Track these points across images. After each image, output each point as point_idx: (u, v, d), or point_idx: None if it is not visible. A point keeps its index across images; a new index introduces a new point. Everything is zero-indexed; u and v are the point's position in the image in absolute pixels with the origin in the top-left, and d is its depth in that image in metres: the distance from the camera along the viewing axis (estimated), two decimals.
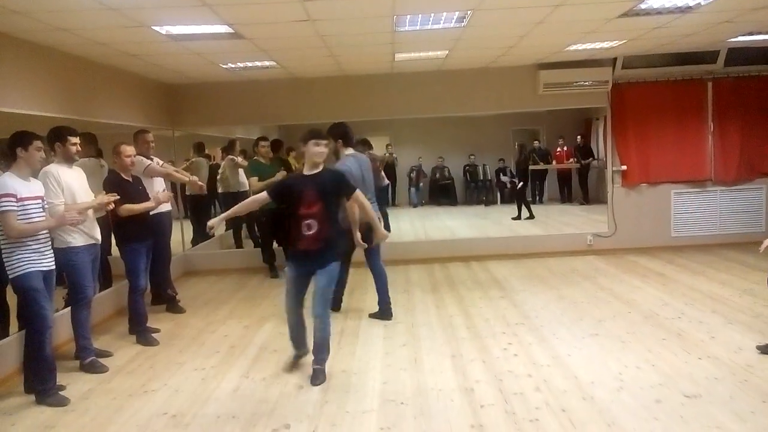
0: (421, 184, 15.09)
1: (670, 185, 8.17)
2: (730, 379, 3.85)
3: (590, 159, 13.08)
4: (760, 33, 6.46)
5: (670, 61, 7.80)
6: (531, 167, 12.47)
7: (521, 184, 11.75)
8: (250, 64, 6.73)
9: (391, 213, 13.18)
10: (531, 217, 11.35)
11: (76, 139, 4.43)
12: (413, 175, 15.04)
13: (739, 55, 7.66)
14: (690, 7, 4.98)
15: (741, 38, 6.74)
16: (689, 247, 8.03)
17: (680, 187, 8.18)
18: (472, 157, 14.95)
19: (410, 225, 11.72)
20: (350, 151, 5.35)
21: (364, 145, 7.14)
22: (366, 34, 5.50)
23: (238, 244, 8.85)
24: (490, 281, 6.93)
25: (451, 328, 5.23)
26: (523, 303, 5.90)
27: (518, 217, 11.40)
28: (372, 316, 5.62)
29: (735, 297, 5.73)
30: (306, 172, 4.07)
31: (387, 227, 8.62)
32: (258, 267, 7.81)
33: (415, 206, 14.75)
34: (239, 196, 8.38)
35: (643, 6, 4.86)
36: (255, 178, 7.17)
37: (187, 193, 8.44)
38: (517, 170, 12.20)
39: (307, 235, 3.95)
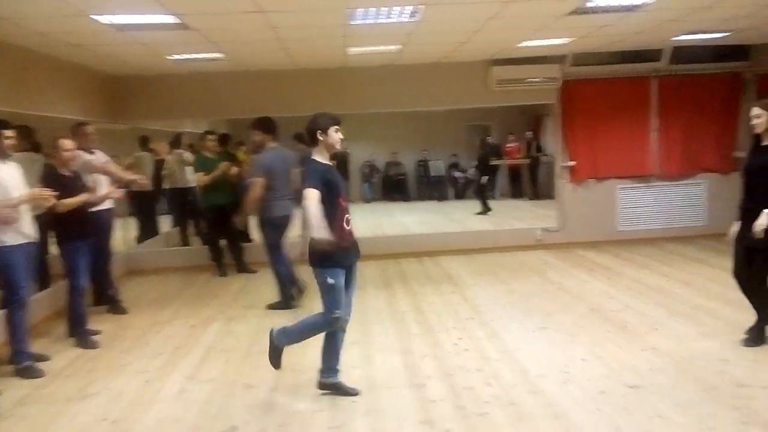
0: (374, 180, 15.08)
1: (616, 180, 8.37)
2: (672, 370, 3.95)
3: (540, 155, 13.34)
4: (703, 32, 6.66)
5: (617, 59, 7.98)
6: (492, 162, 12.64)
7: (485, 178, 11.84)
8: (197, 56, 6.53)
9: None
10: (484, 212, 11.47)
11: (10, 133, 4.22)
12: (366, 170, 15.01)
13: (683, 54, 7.89)
14: (636, 6, 5.09)
15: (685, 37, 6.94)
16: (634, 241, 8.25)
17: (626, 182, 8.39)
18: (425, 152, 15.02)
19: (363, 221, 11.66)
20: (274, 144, 5.69)
21: (297, 139, 7.75)
22: (318, 27, 5.41)
23: (185, 241, 8.62)
24: (442, 276, 6.96)
25: (403, 324, 5.22)
26: (475, 298, 5.94)
27: (485, 211, 11.46)
28: (272, 306, 5.80)
29: (677, 289, 5.91)
30: (326, 161, 3.67)
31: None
32: (206, 265, 7.61)
33: (368, 202, 14.73)
34: (186, 191, 8.17)
35: (590, 4, 4.93)
36: (201, 173, 7.02)
37: (133, 188, 8.15)
38: (479, 165, 12.27)
39: (349, 229, 3.69)
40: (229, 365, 4.40)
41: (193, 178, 7.75)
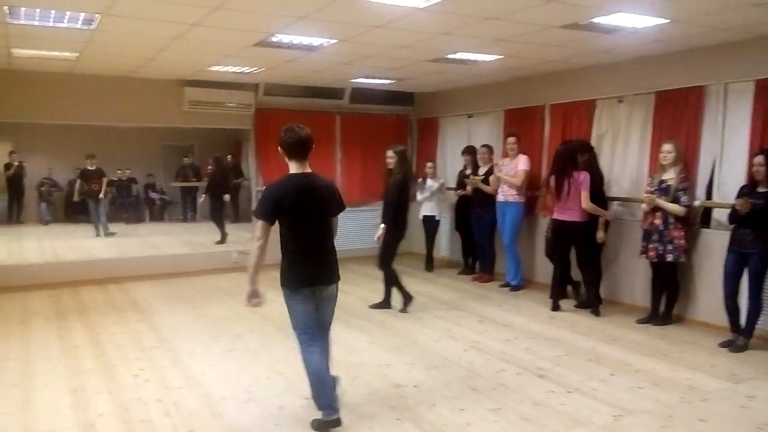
0: (54, 199, 13.40)
1: None
2: (344, 378, 4.32)
3: (240, 178, 13.47)
4: (374, 77, 7.62)
5: (307, 93, 8.60)
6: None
7: (226, 196, 10.62)
8: None
9: (15, 231, 11.43)
10: (222, 238, 10.16)
11: None
12: (44, 188, 13.26)
13: (361, 95, 8.89)
14: (315, 47, 5.57)
15: (361, 80, 7.84)
16: None
17: None
18: (119, 171, 13.91)
19: (38, 245, 10.26)
20: None
21: None
22: None
23: None
24: (129, 304, 6.50)
25: (75, 359, 4.72)
26: (162, 325, 5.69)
27: (223, 240, 10.11)
28: None
29: (355, 305, 6.52)
30: None
31: None
32: None
33: (46, 223, 13.00)
34: None
35: (274, 39, 5.24)
36: None
37: None
38: (212, 187, 10.85)
39: None
40: None
41: None
